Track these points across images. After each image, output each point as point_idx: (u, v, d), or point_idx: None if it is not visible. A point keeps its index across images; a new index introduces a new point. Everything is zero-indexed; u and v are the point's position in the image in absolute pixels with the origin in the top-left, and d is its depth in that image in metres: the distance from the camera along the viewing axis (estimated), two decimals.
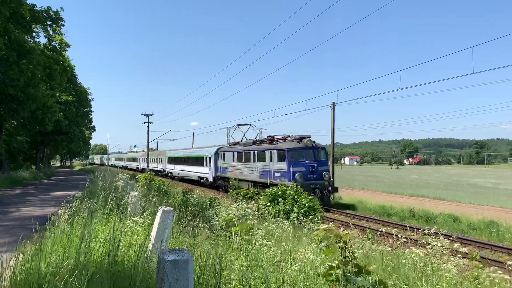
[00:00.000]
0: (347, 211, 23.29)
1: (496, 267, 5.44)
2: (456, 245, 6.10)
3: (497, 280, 4.85)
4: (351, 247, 2.98)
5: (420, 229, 15.77)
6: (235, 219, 7.88)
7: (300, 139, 22.59)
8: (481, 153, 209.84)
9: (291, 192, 15.77)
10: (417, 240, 9.62)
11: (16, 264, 3.39)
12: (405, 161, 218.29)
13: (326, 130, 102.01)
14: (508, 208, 24.54)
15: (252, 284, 4.07)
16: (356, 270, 2.83)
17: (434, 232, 7.35)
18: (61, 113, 41.10)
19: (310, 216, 12.83)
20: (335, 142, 32.39)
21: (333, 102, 31.32)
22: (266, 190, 17.42)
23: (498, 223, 17.42)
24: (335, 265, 2.96)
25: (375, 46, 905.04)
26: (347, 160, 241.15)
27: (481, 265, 5.53)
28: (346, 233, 2.85)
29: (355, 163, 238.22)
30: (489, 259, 12.02)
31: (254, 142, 27.13)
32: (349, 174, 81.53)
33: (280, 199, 15.56)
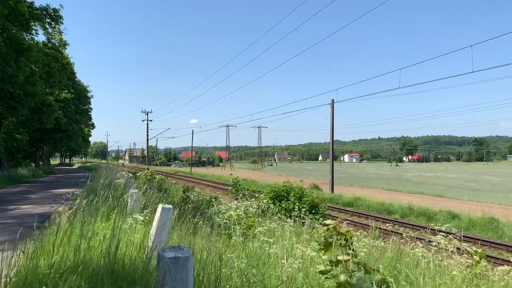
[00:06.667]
0: (347, 208, 23.34)
1: (506, 266, 5.43)
2: (455, 242, 6.09)
3: (507, 277, 4.84)
4: (352, 244, 2.96)
5: (421, 227, 15.81)
6: (243, 218, 7.86)
7: None
8: (480, 150, 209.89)
9: (297, 191, 15.75)
10: (419, 238, 9.62)
11: (16, 262, 3.37)
12: (404, 158, 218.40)
13: (325, 127, 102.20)
14: (507, 205, 24.59)
15: (252, 281, 4.06)
16: (357, 268, 2.82)
17: (433, 229, 7.35)
18: (60, 111, 41.03)
19: (311, 215, 12.82)
20: (334, 139, 32.40)
21: (332, 100, 31.31)
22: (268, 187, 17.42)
23: (498, 219, 17.46)
24: (335, 261, 2.95)
25: (374, 44, 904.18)
26: (346, 157, 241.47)
27: (484, 263, 5.52)
28: (348, 231, 2.84)
29: (354, 160, 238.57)
30: (492, 257, 12.04)
31: None
32: (348, 172, 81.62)
33: (282, 197, 15.54)
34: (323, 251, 2.87)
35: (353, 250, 2.80)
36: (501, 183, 49.29)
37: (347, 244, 2.80)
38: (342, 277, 2.53)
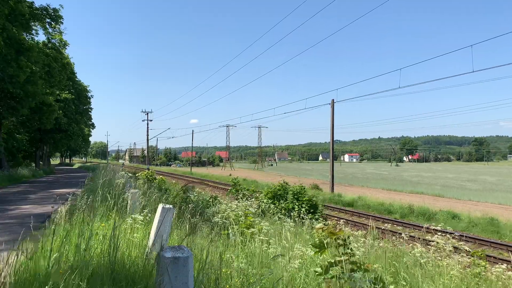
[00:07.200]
0: (347, 208, 23.34)
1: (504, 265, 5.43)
2: (454, 241, 6.10)
3: (504, 277, 4.85)
4: (349, 243, 2.97)
5: (420, 227, 15.81)
6: (241, 217, 7.88)
7: None
8: (480, 150, 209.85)
9: (293, 191, 15.78)
10: (418, 238, 9.64)
11: (16, 262, 3.38)
12: (404, 158, 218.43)
13: (325, 127, 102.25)
14: (507, 205, 24.60)
15: (251, 281, 4.07)
16: (355, 267, 2.83)
17: (433, 229, 7.36)
18: (60, 111, 41.03)
19: (310, 214, 12.83)
20: (334, 139, 32.41)
21: (333, 100, 31.30)
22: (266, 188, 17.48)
23: (498, 219, 17.48)
24: (333, 262, 2.96)
25: (375, 44, 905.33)
26: (346, 157, 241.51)
27: (484, 263, 5.53)
28: (340, 229, 2.85)
29: (354, 160, 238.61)
30: (492, 256, 12.05)
31: None
32: (348, 171, 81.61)
33: (280, 197, 15.57)
34: (319, 253, 2.88)
35: (350, 249, 2.81)
36: (496, 183, 49.37)
37: (345, 244, 2.81)
38: (340, 276, 2.54)
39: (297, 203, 14.52)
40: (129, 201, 7.39)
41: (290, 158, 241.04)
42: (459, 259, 5.41)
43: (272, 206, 13.50)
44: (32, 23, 28.62)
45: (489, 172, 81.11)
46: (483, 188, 41.20)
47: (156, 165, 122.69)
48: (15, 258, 3.40)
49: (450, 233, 7.27)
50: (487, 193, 34.23)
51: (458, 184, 46.12)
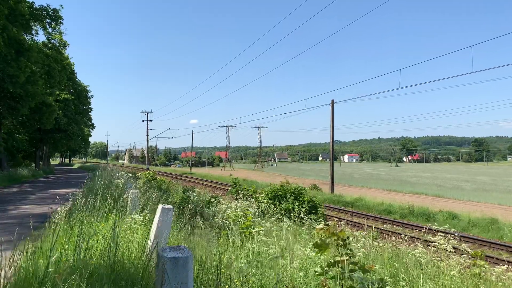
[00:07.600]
0: (347, 209, 23.34)
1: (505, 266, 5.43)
2: (454, 242, 6.09)
3: (504, 277, 4.85)
4: (349, 244, 2.97)
5: (420, 227, 15.80)
6: (241, 217, 7.88)
7: None
8: (480, 150, 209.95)
9: (293, 191, 15.77)
10: (418, 238, 9.63)
11: (16, 262, 3.37)
12: (404, 159, 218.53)
13: (325, 127, 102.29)
14: (507, 206, 24.60)
15: (251, 281, 4.07)
16: (355, 268, 2.83)
17: (435, 230, 7.36)
18: (60, 111, 41.04)
19: (312, 215, 12.83)
20: (334, 140, 32.41)
21: (332, 100, 31.32)
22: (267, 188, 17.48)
23: (498, 220, 17.47)
24: (333, 262, 2.96)
25: (375, 45, 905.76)
26: (346, 157, 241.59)
27: (483, 263, 5.52)
28: (341, 230, 2.85)
29: (354, 160, 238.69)
30: (491, 257, 12.04)
31: None
32: (348, 172, 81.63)
33: (280, 197, 15.55)
34: (319, 253, 2.88)
35: (350, 250, 2.81)
36: (494, 183, 49.43)
37: (345, 244, 2.80)
38: (340, 277, 2.54)
39: (297, 204, 14.50)
40: (128, 201, 7.38)
41: (290, 159, 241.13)
42: (460, 260, 5.40)
43: (272, 206, 13.48)
44: (32, 23, 28.63)
45: (488, 173, 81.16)
46: (482, 188, 41.20)
47: (156, 165, 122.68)
48: (15, 258, 3.39)
49: (451, 234, 7.26)
50: (486, 193, 34.24)
51: (456, 185, 46.13)
